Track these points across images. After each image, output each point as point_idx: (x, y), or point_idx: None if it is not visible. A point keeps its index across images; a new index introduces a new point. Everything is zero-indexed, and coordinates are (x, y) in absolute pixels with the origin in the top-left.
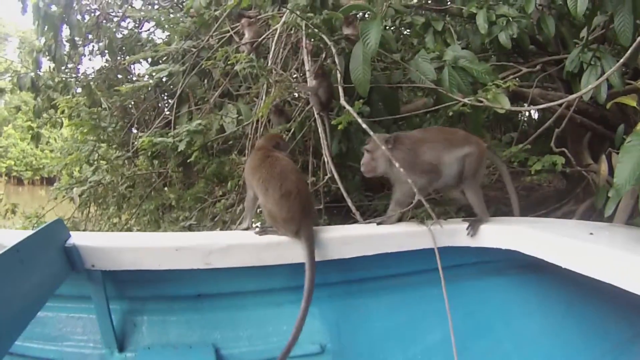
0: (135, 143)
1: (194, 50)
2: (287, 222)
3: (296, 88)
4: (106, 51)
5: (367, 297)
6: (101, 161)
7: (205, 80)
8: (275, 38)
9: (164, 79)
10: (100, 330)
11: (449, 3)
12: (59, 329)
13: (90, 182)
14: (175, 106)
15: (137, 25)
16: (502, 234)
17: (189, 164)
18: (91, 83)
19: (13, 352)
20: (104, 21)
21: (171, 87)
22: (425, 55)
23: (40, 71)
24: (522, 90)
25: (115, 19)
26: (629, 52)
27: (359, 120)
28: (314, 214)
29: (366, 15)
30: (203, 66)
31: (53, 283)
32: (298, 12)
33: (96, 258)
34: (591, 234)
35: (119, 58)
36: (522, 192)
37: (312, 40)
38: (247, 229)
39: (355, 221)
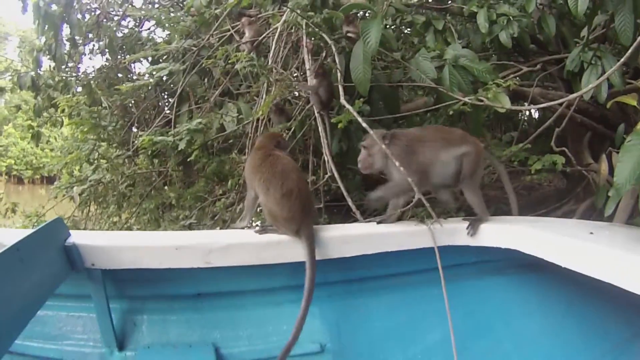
0: (136, 142)
1: (195, 49)
2: (288, 221)
3: (296, 87)
4: (106, 50)
5: (367, 297)
6: (101, 160)
7: (206, 79)
8: (276, 37)
9: (164, 78)
10: (100, 329)
11: (449, 2)
12: (59, 328)
13: (90, 181)
14: (175, 105)
15: (137, 24)
16: (502, 233)
17: (189, 163)
18: (91, 82)
19: (13, 351)
20: (105, 20)
21: (171, 86)
22: (426, 54)
23: (40, 70)
24: (522, 89)
25: (116, 18)
26: (629, 51)
27: (359, 119)
28: (314, 213)
29: (367, 14)
30: (203, 65)
31: (53, 282)
32: (298, 11)
33: (96, 257)
34: (591, 233)
35: (119, 57)
36: (522, 192)
37: (313, 39)
38: (245, 227)
39: (355, 220)
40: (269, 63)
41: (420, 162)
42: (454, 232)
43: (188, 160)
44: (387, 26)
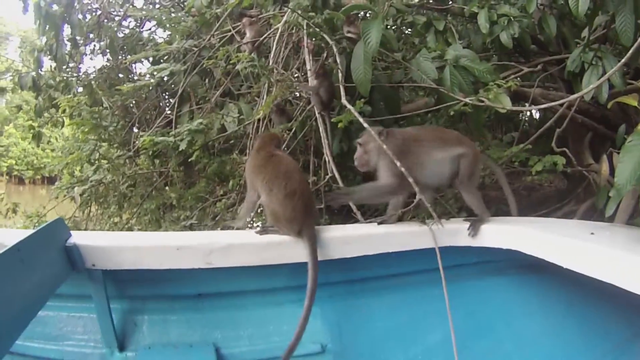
0: (137, 142)
1: (195, 49)
2: (291, 221)
3: (297, 87)
4: (107, 50)
5: (368, 297)
6: (102, 160)
7: (207, 80)
8: (277, 37)
9: (165, 78)
10: (101, 330)
11: (450, 2)
12: (59, 329)
13: (91, 182)
14: (176, 105)
15: (138, 24)
16: (503, 233)
17: (190, 164)
18: (92, 82)
19: (14, 352)
20: (105, 20)
21: (172, 86)
22: (427, 54)
23: (41, 70)
24: (523, 90)
25: (117, 18)
26: (630, 51)
27: (360, 119)
28: (315, 214)
29: (367, 15)
30: (204, 65)
31: (54, 282)
32: (299, 12)
33: (97, 257)
34: (592, 234)
35: (120, 57)
36: (523, 192)
37: (314, 39)
38: (240, 227)
39: (356, 221)
40: (270, 63)
41: (413, 162)
42: (455, 232)
43: (189, 160)
44: (388, 27)
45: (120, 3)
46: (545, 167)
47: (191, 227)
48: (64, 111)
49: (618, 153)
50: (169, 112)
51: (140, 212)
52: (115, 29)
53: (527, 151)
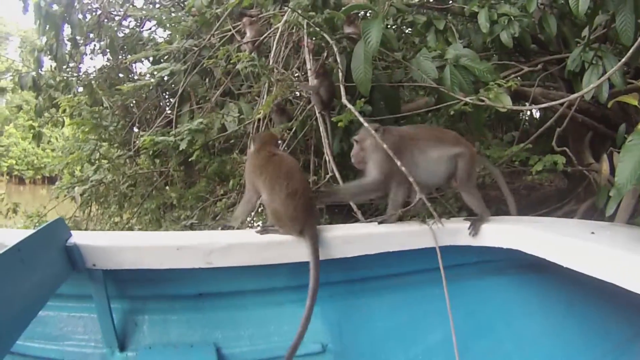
0: (137, 142)
1: (196, 49)
2: (292, 220)
3: (298, 87)
4: (107, 50)
5: (369, 297)
6: (102, 160)
7: (207, 79)
8: (277, 37)
9: (165, 78)
10: (102, 330)
11: (450, 2)
12: (60, 329)
13: (91, 181)
14: (176, 105)
15: (138, 24)
16: (504, 233)
17: (190, 163)
18: (92, 82)
19: (14, 352)
20: (106, 20)
21: (173, 86)
22: (427, 54)
23: (41, 70)
24: (523, 89)
25: (117, 18)
26: (630, 51)
27: (361, 119)
28: (316, 213)
29: (368, 14)
30: (204, 65)
31: (54, 282)
32: (300, 11)
33: (97, 257)
34: (592, 233)
35: (120, 57)
36: (523, 192)
37: (314, 39)
38: (235, 227)
39: (357, 220)
40: (270, 63)
41: (408, 159)
42: (455, 232)
43: (189, 160)
44: (388, 26)
45: (121, 3)
46: (545, 167)
47: (191, 227)
48: (64, 111)
49: (618, 152)
50: (169, 111)
51: (140, 211)
52: (116, 28)
53: (528, 150)
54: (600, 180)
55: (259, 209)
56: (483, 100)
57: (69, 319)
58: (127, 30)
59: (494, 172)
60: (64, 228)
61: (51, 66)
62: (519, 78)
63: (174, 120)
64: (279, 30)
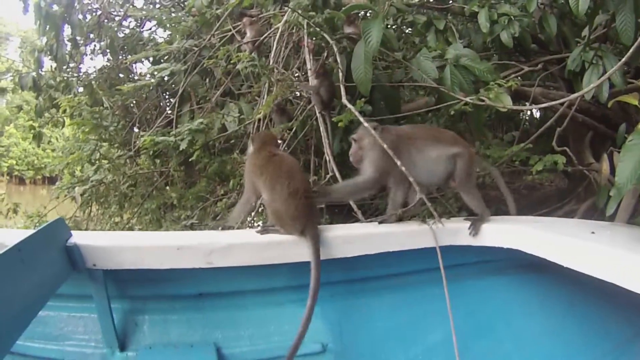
0: (137, 142)
1: (196, 49)
2: (294, 220)
3: (298, 87)
4: (108, 50)
5: (369, 297)
6: (103, 160)
7: (207, 79)
8: (277, 37)
9: (165, 78)
10: (102, 330)
11: (450, 2)
12: (60, 329)
13: (92, 182)
14: (176, 105)
15: (138, 24)
16: (504, 233)
17: (190, 163)
18: (93, 82)
19: (14, 352)
20: (106, 20)
21: (173, 86)
22: (427, 54)
23: (41, 71)
24: (523, 89)
25: (117, 18)
26: (630, 51)
27: (361, 118)
28: (317, 213)
29: (368, 14)
30: (205, 65)
31: (54, 282)
32: (300, 11)
33: (97, 257)
34: (593, 233)
35: (120, 57)
36: (523, 191)
37: (314, 39)
38: (231, 227)
39: (357, 220)
40: (270, 63)
41: (406, 158)
42: (455, 232)
43: (189, 160)
44: (388, 26)
45: (121, 3)
46: (545, 167)
47: (192, 227)
48: (64, 111)
49: (619, 152)
50: (169, 111)
51: (141, 211)
52: (116, 29)
53: (528, 150)
54: (600, 180)
55: (259, 209)
56: (483, 100)
57: (69, 319)
58: (127, 31)
59: (493, 172)
60: (64, 228)
61: (51, 66)
62: (519, 78)
63: (174, 121)
64: (279, 30)
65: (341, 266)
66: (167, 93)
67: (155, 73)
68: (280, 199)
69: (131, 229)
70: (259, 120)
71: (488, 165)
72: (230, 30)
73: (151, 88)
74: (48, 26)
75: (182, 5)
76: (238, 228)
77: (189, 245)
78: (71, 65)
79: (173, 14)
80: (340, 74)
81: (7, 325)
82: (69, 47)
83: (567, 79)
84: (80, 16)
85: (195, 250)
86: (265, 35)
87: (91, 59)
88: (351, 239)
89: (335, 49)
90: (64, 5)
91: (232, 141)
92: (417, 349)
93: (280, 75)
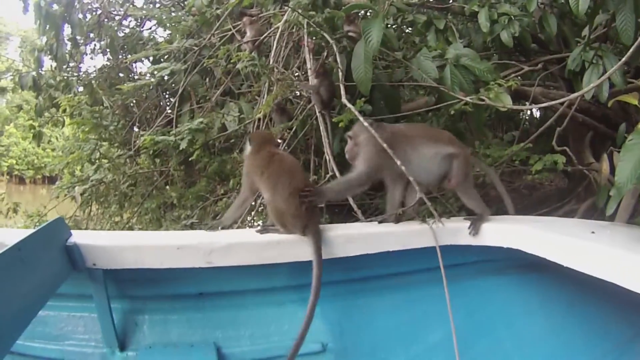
0: (137, 142)
1: (196, 48)
2: (295, 218)
3: (298, 86)
4: (108, 50)
5: (369, 296)
6: (103, 160)
7: (207, 79)
8: (277, 36)
9: (165, 78)
10: (102, 330)
11: (451, 1)
12: (60, 328)
13: (92, 181)
14: (176, 105)
15: (138, 23)
16: (504, 232)
17: (190, 163)
18: (93, 82)
19: (14, 352)
20: (106, 20)
21: (173, 85)
22: (427, 53)
23: (41, 70)
24: (523, 88)
25: (117, 18)
26: (630, 50)
27: (361, 118)
28: (318, 212)
29: (368, 14)
30: (205, 64)
31: (54, 282)
32: (300, 11)
33: (97, 257)
34: (593, 232)
35: (120, 57)
36: (523, 191)
37: (314, 38)
38: (227, 228)
39: (356, 220)
40: (271, 62)
41: (400, 156)
42: (455, 231)
43: (189, 159)
44: (389, 25)
45: (121, 2)
46: (545, 166)
47: (192, 227)
48: (64, 111)
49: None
50: (169, 111)
51: (141, 211)
52: (116, 28)
53: (528, 150)
54: (600, 180)
55: (260, 209)
56: (483, 100)
57: (69, 318)
58: (127, 30)
59: (489, 172)
60: (64, 227)
61: (51, 66)
62: (519, 77)
63: (174, 120)
64: (279, 29)
65: (341, 266)
66: (167, 92)
67: (155, 72)
68: (282, 197)
69: (131, 228)
70: (259, 119)
71: (484, 166)
72: (230, 30)
73: (151, 87)
74: (48, 25)
75: (182, 5)
76: (238, 228)
77: (189, 244)
78: (71, 64)
79: (173, 14)
80: (340, 74)
81: (7, 324)
82: (69, 47)
83: (567, 79)
84: (80, 15)
85: (195, 250)
86: (265, 34)
87: (91, 58)
88: (352, 238)
89: (335, 49)
90: (64, 4)
91: (232, 140)
92: (417, 349)
93: (280, 74)
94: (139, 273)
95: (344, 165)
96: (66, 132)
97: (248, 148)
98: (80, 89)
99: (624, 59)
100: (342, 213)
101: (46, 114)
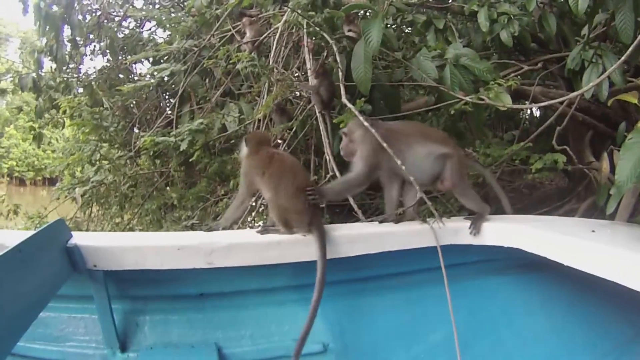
0: (137, 143)
1: (196, 49)
2: (300, 215)
3: (298, 87)
4: (107, 51)
5: (370, 296)
6: (103, 161)
7: (207, 80)
8: (277, 37)
9: (165, 79)
10: (103, 331)
11: (450, 1)
12: (61, 330)
13: (92, 182)
14: (176, 105)
15: (138, 24)
16: (505, 232)
17: (190, 163)
18: (93, 83)
19: (15, 353)
20: (105, 21)
21: (173, 86)
22: (427, 53)
23: (41, 71)
24: (523, 88)
25: (117, 19)
26: (630, 49)
27: (361, 118)
28: (320, 210)
29: (367, 14)
30: (204, 65)
31: (55, 283)
32: (299, 11)
33: (98, 258)
34: (593, 231)
35: (120, 58)
36: (524, 190)
37: (314, 38)
38: (225, 228)
39: (357, 220)
40: (270, 63)
41: (395, 154)
42: (456, 231)
43: (190, 160)
44: (388, 25)
45: (120, 3)
46: (545, 165)
47: (192, 227)
48: (64, 112)
49: (618, 151)
50: (169, 112)
51: (141, 212)
52: (115, 29)
53: (528, 149)
54: (600, 179)
55: (260, 209)
56: (483, 99)
57: (70, 320)
58: (127, 31)
59: (485, 173)
60: (65, 229)
61: (51, 67)
62: (519, 77)
63: (174, 121)
64: (279, 30)
65: (342, 266)
66: (167, 93)
67: (155, 73)
68: (287, 195)
69: (132, 229)
70: (259, 120)
71: (480, 167)
72: (230, 30)
73: (151, 88)
74: (48, 27)
75: (182, 6)
76: (238, 228)
77: (189, 245)
78: (71, 66)
79: (173, 14)
80: (340, 74)
81: (8, 326)
82: (68, 48)
83: (566, 78)
84: (80, 17)
85: (195, 251)
86: (265, 35)
87: (91, 59)
88: (353, 238)
89: (335, 49)
90: (63, 5)
91: (232, 141)
92: (418, 348)
93: (280, 75)
94: (140, 274)
95: (344, 165)
96: (66, 133)
97: (245, 149)
98: (80, 90)
99: (623, 58)
100: (342, 213)
101: (46, 115)
